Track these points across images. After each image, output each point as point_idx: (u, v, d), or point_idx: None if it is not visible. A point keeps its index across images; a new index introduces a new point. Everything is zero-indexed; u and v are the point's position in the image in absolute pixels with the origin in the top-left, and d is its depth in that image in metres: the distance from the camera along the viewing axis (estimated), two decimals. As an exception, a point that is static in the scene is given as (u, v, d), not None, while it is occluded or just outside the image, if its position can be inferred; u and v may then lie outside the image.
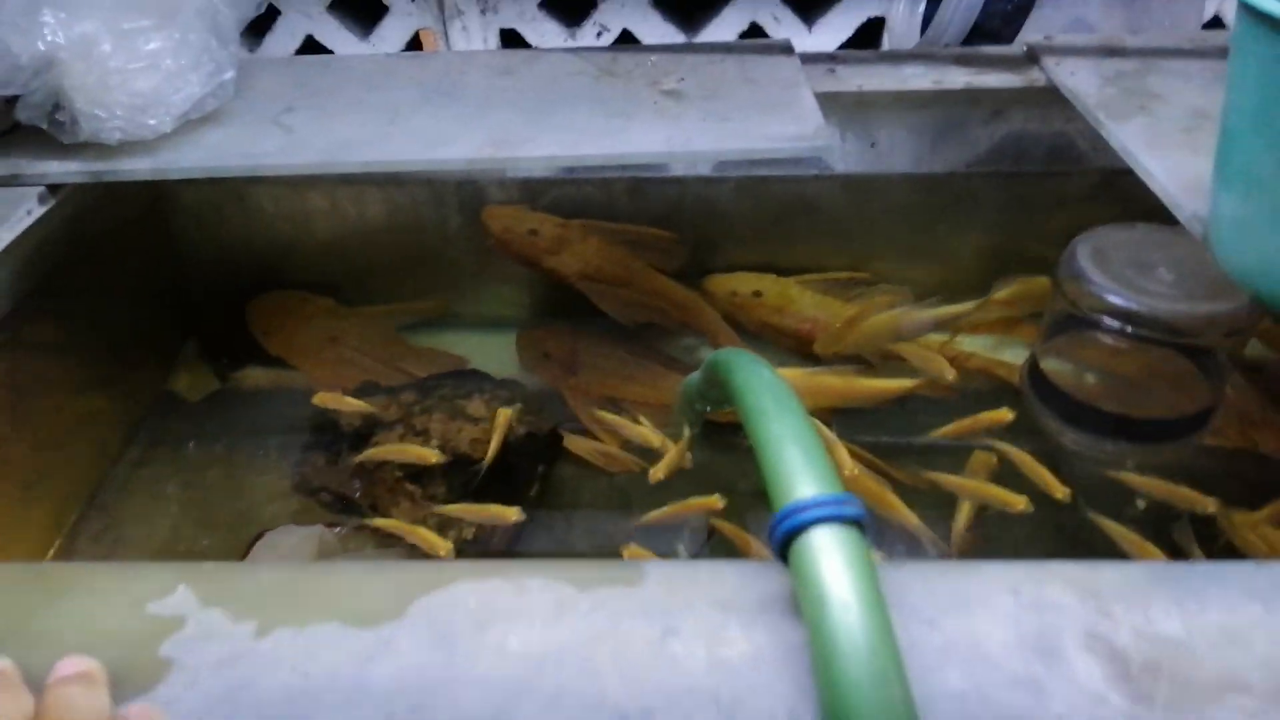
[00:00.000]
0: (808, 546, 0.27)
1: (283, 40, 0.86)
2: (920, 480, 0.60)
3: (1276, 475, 0.59)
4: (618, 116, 0.58)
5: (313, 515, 0.64)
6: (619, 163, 0.55)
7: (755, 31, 0.83)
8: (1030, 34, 0.68)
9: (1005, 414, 0.61)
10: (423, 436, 0.65)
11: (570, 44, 0.84)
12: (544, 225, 0.73)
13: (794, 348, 0.73)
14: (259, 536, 0.62)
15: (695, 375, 0.54)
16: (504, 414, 0.65)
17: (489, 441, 0.64)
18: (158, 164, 0.56)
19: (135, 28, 0.53)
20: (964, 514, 0.57)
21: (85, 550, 0.63)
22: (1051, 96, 0.63)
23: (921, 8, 0.74)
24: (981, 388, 0.69)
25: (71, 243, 0.64)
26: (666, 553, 0.60)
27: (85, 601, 0.31)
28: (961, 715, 0.27)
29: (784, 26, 0.83)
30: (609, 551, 0.60)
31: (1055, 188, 0.72)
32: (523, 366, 0.74)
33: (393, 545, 0.60)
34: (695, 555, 0.60)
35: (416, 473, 0.63)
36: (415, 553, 0.59)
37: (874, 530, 0.29)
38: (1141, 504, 0.59)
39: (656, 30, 0.83)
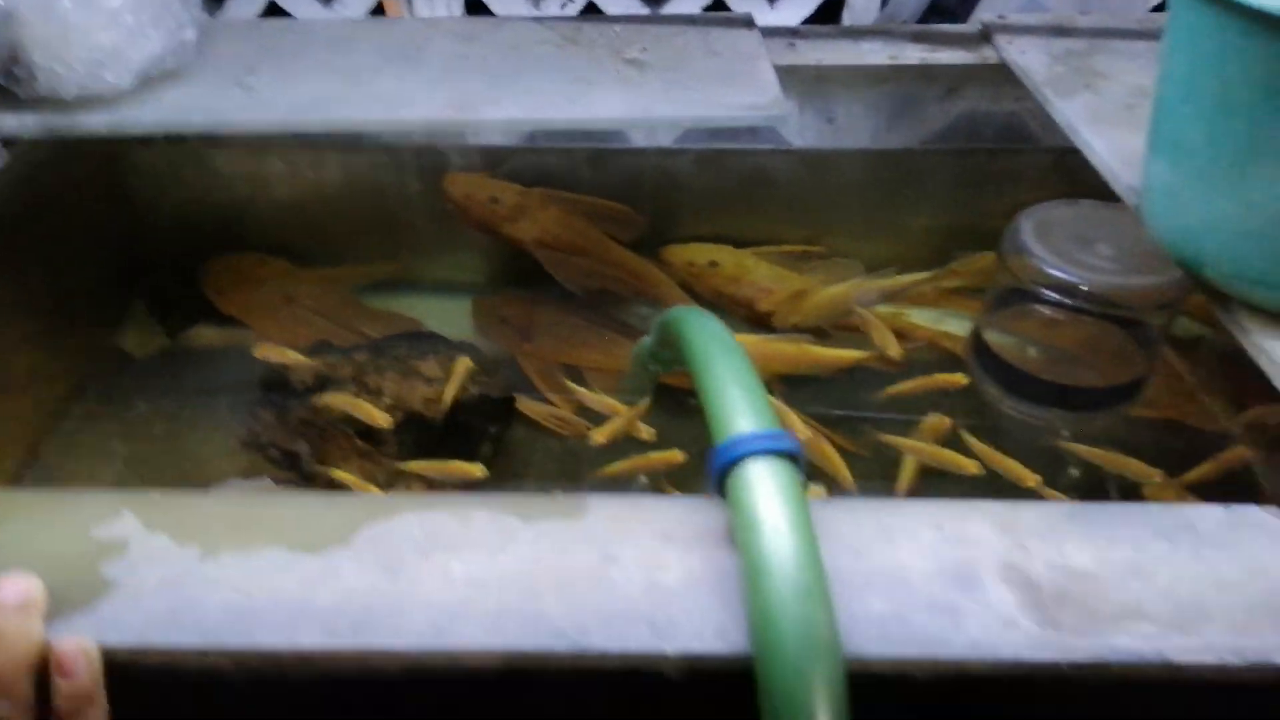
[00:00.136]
0: (743, 476, 0.29)
1: (245, 4, 0.86)
2: (867, 445, 0.61)
3: (1203, 447, 0.62)
4: (580, 83, 0.59)
5: (261, 472, 0.64)
6: (581, 128, 0.56)
7: (719, 5, 0.84)
8: (985, 13, 0.70)
9: (959, 378, 0.62)
10: (375, 395, 0.65)
11: (534, 13, 0.85)
12: (505, 193, 0.73)
13: (748, 317, 0.74)
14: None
15: (647, 339, 0.55)
16: (463, 362, 0.65)
17: (440, 402, 0.64)
18: (116, 120, 0.55)
19: (95, -21, 0.53)
20: (906, 474, 0.58)
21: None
22: (1003, 75, 0.65)
23: (881, -14, 0.75)
24: (928, 358, 0.71)
25: (24, 197, 0.63)
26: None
27: (27, 526, 0.32)
28: (882, 636, 0.28)
29: (747, 1, 0.84)
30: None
31: (1006, 165, 0.74)
32: (478, 331, 0.74)
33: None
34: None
35: (367, 430, 0.63)
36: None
37: (807, 465, 0.30)
38: (1075, 473, 0.61)
39: (620, 2, 0.84)
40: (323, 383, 0.66)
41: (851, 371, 0.68)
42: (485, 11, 0.84)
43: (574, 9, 0.84)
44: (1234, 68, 0.34)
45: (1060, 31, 0.66)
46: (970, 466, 0.57)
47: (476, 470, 0.59)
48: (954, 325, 0.73)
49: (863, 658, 0.27)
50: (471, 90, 0.57)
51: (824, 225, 0.78)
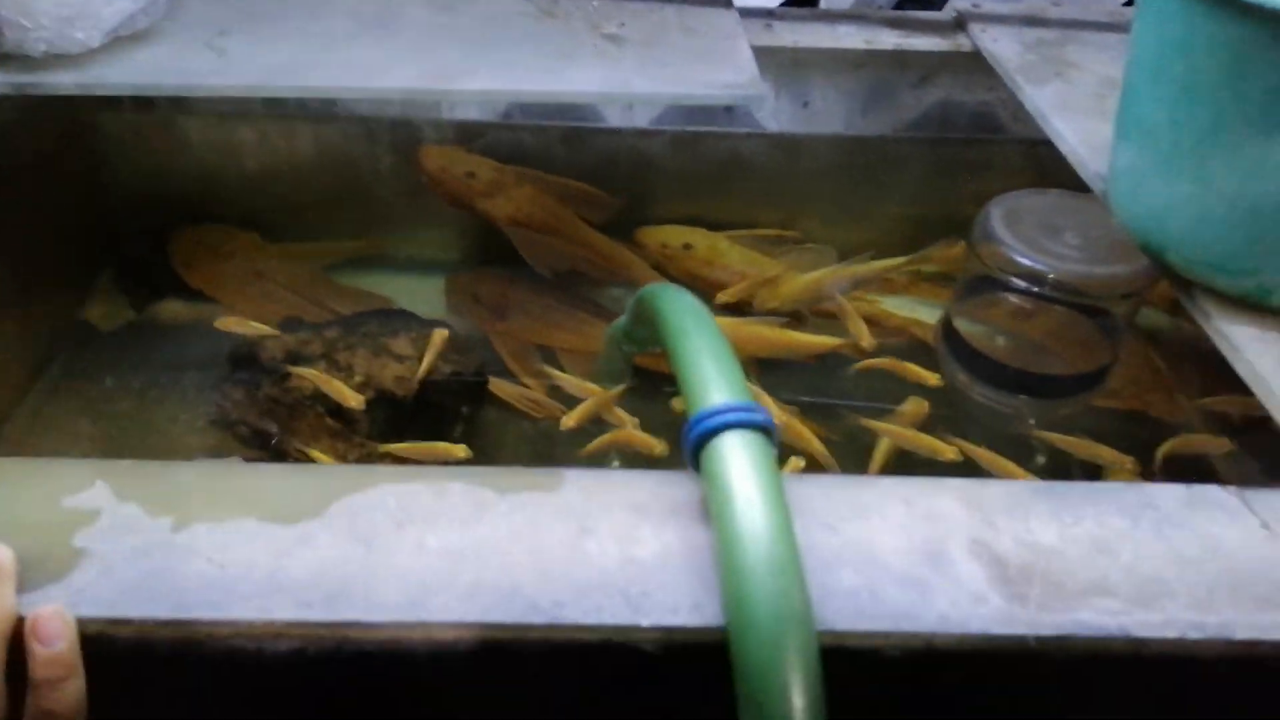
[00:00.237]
0: (718, 449, 0.29)
1: (214, -32, 0.84)
2: (839, 430, 0.62)
3: (1165, 436, 0.63)
4: (557, 57, 0.58)
5: (229, 449, 0.63)
6: (557, 100, 0.56)
7: (696, -13, 0.84)
8: (959, 1, 0.70)
9: (932, 377, 0.63)
10: (345, 372, 0.65)
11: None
12: (481, 168, 0.73)
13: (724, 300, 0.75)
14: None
15: (622, 319, 0.55)
16: (440, 334, 0.65)
17: (413, 379, 0.64)
18: (84, 79, 0.54)
19: (62, -65, 0.52)
20: (879, 457, 0.59)
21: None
22: (976, 64, 0.66)
23: (858, -28, 0.75)
24: (900, 345, 0.71)
25: (-16, 161, 0.62)
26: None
27: (-3, 494, 0.31)
28: (853, 609, 0.28)
29: (724, -16, 0.84)
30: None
31: (977, 154, 0.74)
32: (451, 310, 0.74)
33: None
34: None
35: (338, 408, 0.63)
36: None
37: (779, 438, 0.31)
38: (1041, 460, 0.62)
39: (598, -20, 0.84)
40: (292, 360, 0.66)
41: (824, 358, 0.69)
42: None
43: (551, -15, 0.84)
44: (1199, 52, 0.35)
45: (1033, 21, 0.66)
46: (948, 452, 0.58)
47: (460, 451, 0.59)
48: (925, 313, 0.73)
49: (835, 631, 0.28)
50: (448, 60, 0.56)
51: (798, 210, 0.78)
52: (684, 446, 0.30)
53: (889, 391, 0.65)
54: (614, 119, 0.74)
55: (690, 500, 0.31)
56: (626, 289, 0.77)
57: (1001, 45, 0.62)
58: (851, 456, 0.61)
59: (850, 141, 0.75)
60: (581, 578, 0.29)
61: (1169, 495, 0.33)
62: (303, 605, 0.28)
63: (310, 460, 0.60)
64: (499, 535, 0.30)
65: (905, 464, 0.60)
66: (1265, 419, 0.38)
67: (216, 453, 0.63)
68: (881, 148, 0.75)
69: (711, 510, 0.28)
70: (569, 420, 0.62)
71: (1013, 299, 0.61)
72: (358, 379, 0.64)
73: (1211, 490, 0.34)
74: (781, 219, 0.79)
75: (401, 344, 0.67)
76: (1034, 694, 0.30)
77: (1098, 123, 0.52)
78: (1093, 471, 0.60)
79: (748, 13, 0.69)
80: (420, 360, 0.65)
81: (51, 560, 0.29)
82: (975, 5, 0.69)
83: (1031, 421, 0.63)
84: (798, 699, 0.25)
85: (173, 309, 0.74)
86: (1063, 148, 0.51)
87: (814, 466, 0.59)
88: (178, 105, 0.74)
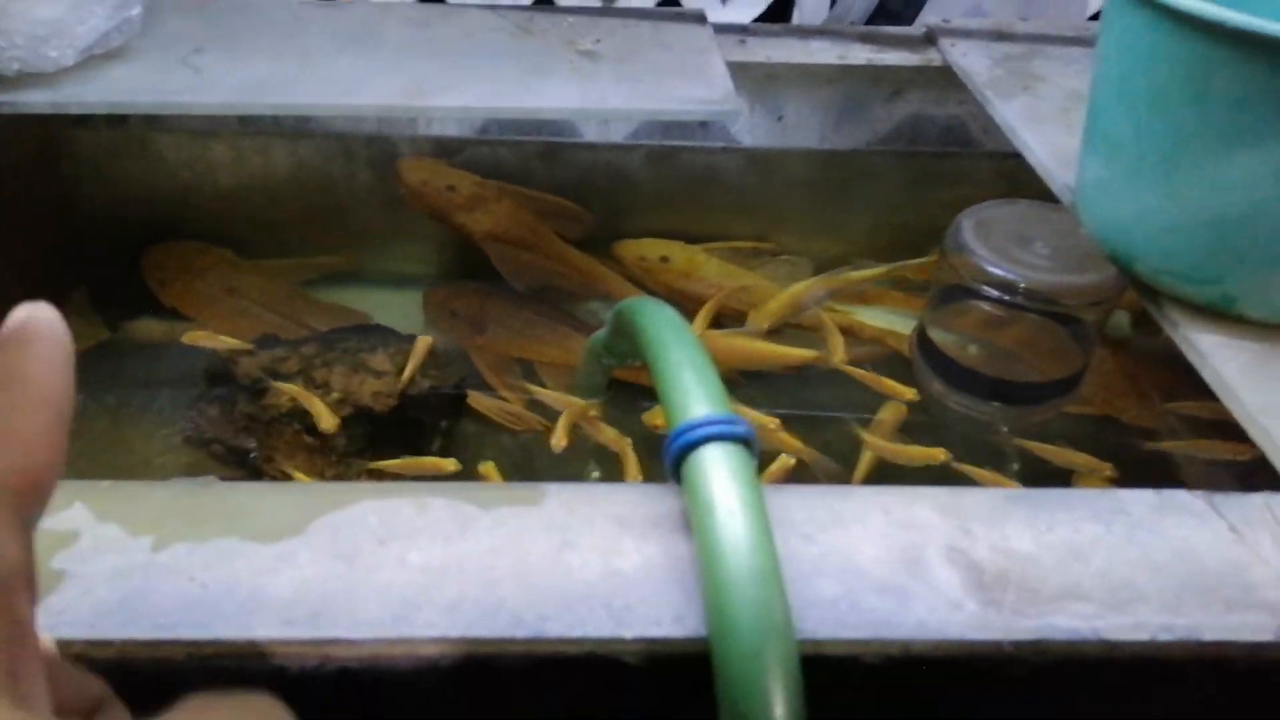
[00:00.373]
0: (699, 461, 0.29)
1: (188, -16, 0.84)
2: (819, 443, 0.62)
3: (1136, 441, 0.64)
4: (534, 73, 0.59)
5: (205, 468, 0.63)
6: (534, 116, 0.56)
7: (671, 2, 0.85)
8: (929, 16, 0.71)
9: (908, 392, 0.64)
10: (323, 389, 0.64)
11: (488, 1, 0.84)
12: (462, 182, 0.73)
13: (695, 313, 0.75)
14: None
15: (601, 332, 0.55)
16: (424, 341, 0.65)
17: (391, 395, 0.64)
18: (58, 98, 0.54)
19: (35, -47, 0.52)
20: (863, 469, 0.60)
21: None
22: (947, 78, 0.67)
23: (830, -13, 0.77)
24: (875, 355, 0.72)
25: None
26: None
27: (-27, 516, 0.31)
28: (834, 618, 0.29)
29: None
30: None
31: (949, 167, 0.75)
32: (429, 325, 0.74)
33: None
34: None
35: (314, 425, 0.63)
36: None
37: (760, 450, 0.31)
38: (1015, 466, 0.63)
39: (574, -6, 0.84)
40: (269, 376, 0.66)
41: (801, 369, 0.70)
42: (438, -1, 0.84)
43: None
44: (1162, 67, 0.36)
45: (1000, 36, 0.68)
46: (938, 455, 0.59)
47: (449, 464, 0.59)
48: (899, 323, 0.74)
49: (815, 639, 0.28)
50: (425, 76, 0.57)
51: (773, 223, 0.79)
52: (665, 459, 0.31)
53: (866, 403, 0.65)
54: (591, 134, 0.75)
55: (672, 513, 0.32)
56: (605, 303, 0.77)
57: (971, 60, 0.64)
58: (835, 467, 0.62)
59: (824, 155, 0.76)
60: (564, 591, 0.29)
61: (1140, 501, 0.34)
62: (285, 623, 0.28)
63: (288, 478, 0.60)
64: (481, 550, 0.31)
65: (890, 473, 0.61)
66: (1231, 423, 0.39)
67: (192, 471, 0.63)
68: (855, 161, 0.76)
69: (693, 522, 0.29)
70: (558, 441, 0.62)
71: (985, 308, 0.62)
72: (335, 395, 0.64)
73: (1181, 495, 0.34)
74: (757, 232, 0.79)
75: (379, 360, 0.67)
76: (1010, 698, 0.30)
77: (1065, 135, 0.53)
78: (1067, 477, 0.61)
79: (722, 29, 0.70)
80: (398, 375, 0.65)
81: (30, 582, 0.29)
82: (945, 20, 0.70)
83: (1005, 429, 0.64)
84: (779, 707, 0.25)
85: (146, 327, 0.73)
86: (1031, 160, 0.52)
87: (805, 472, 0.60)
88: (152, 123, 0.74)
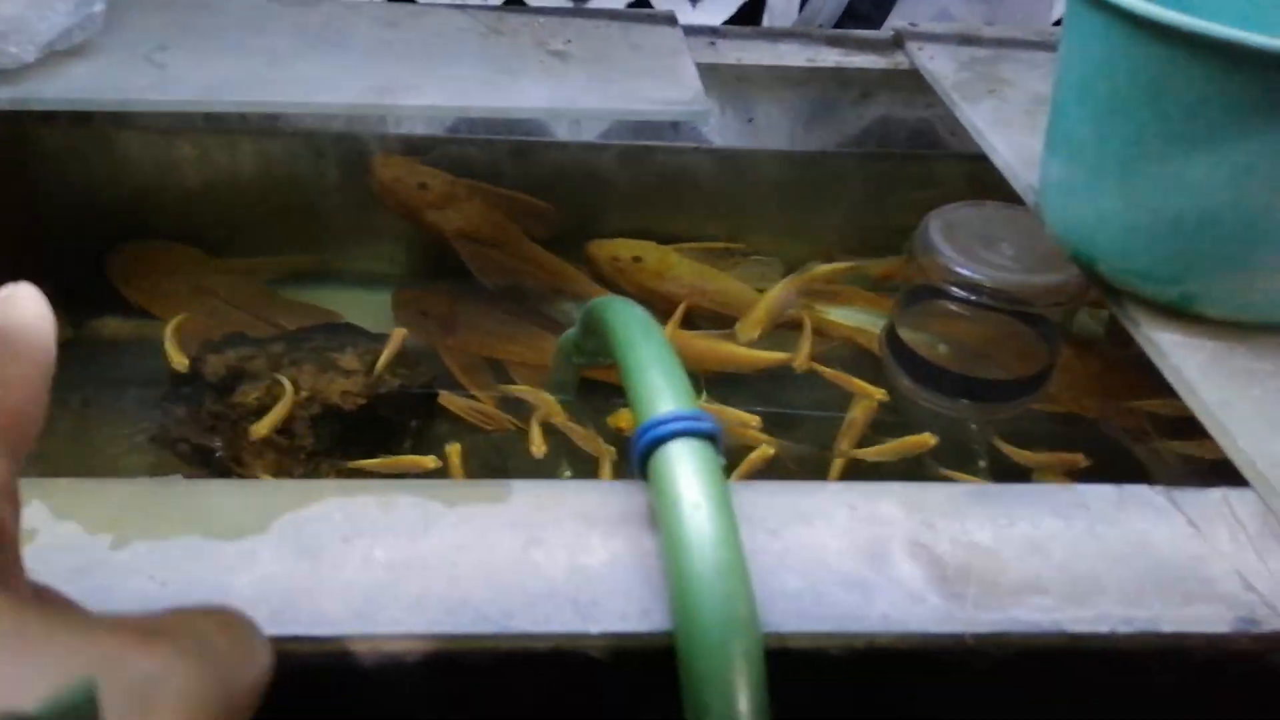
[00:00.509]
0: (665, 457, 0.29)
1: (154, -20, 0.83)
2: (790, 438, 0.63)
3: (1101, 437, 0.65)
4: (503, 73, 0.59)
5: (171, 467, 0.62)
6: (504, 116, 0.56)
7: (641, 2, 0.85)
8: (897, 19, 0.72)
9: (878, 393, 0.64)
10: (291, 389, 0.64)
11: (458, 1, 0.84)
12: (435, 180, 0.73)
13: (671, 312, 0.75)
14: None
15: (571, 331, 0.55)
16: (399, 333, 0.65)
17: (360, 394, 0.64)
18: (19, 94, 0.53)
19: (-6, -54, 0.51)
20: (835, 471, 0.60)
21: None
22: (914, 81, 0.67)
23: (799, -10, 0.77)
24: (845, 354, 0.73)
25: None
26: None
27: (-73, 515, 0.30)
28: (798, 611, 0.29)
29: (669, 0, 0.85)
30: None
31: (917, 169, 0.76)
32: (399, 324, 0.74)
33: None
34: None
35: (283, 424, 0.62)
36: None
37: (725, 445, 0.31)
38: (983, 464, 0.64)
39: (544, -6, 0.84)
40: (236, 375, 0.65)
41: (770, 370, 0.70)
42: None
43: None
44: (1121, 71, 0.37)
45: (967, 40, 0.68)
46: (928, 440, 0.59)
47: (429, 462, 0.59)
48: (869, 323, 0.75)
49: (780, 633, 0.28)
50: (394, 76, 0.56)
51: (744, 223, 0.80)
52: (631, 455, 0.31)
53: (835, 401, 0.66)
54: (561, 133, 0.75)
55: (639, 508, 0.32)
56: (576, 302, 0.77)
57: (938, 63, 0.64)
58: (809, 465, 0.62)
59: (794, 156, 0.76)
60: (530, 587, 0.29)
61: (1100, 495, 0.35)
62: (247, 621, 0.28)
63: (254, 477, 0.60)
64: (447, 547, 0.31)
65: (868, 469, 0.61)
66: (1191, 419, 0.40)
67: (158, 470, 0.62)
68: (825, 162, 0.77)
69: (659, 517, 0.29)
70: (538, 449, 0.62)
71: (952, 307, 0.63)
72: (303, 394, 0.63)
73: (1141, 490, 0.35)
74: (728, 232, 0.80)
75: (348, 359, 0.66)
76: (973, 690, 0.31)
77: (1029, 138, 0.54)
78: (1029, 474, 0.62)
79: (692, 30, 0.70)
80: (367, 374, 0.65)
81: (-14, 581, 0.28)
82: (912, 24, 0.71)
83: (975, 427, 0.65)
84: (743, 701, 0.26)
85: (112, 326, 0.73)
86: (997, 162, 0.52)
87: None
88: (116, 120, 0.73)
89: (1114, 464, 0.62)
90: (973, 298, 0.61)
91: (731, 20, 0.85)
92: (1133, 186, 0.39)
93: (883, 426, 0.64)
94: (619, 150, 0.75)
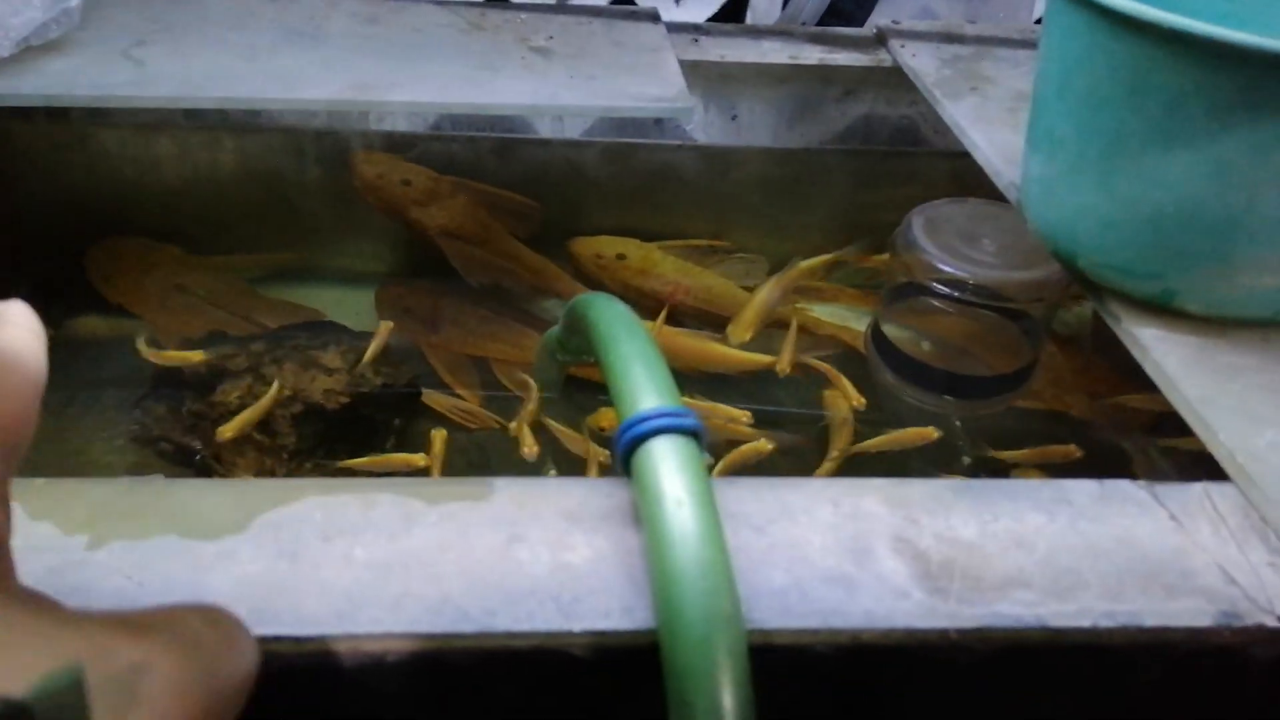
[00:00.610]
0: (648, 454, 0.29)
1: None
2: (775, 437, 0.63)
3: (1085, 435, 0.66)
4: (485, 69, 0.58)
5: (152, 467, 0.62)
6: (486, 112, 0.56)
7: (624, 0, 0.85)
8: (880, 17, 0.72)
9: (858, 399, 0.65)
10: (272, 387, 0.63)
11: (439, -1, 0.84)
12: (418, 177, 0.73)
13: (656, 310, 0.75)
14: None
15: (555, 329, 0.55)
16: (386, 325, 0.65)
17: (342, 393, 0.63)
18: (-7, 89, 0.52)
19: (-34, -61, 0.50)
20: (829, 467, 0.60)
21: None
22: (897, 79, 0.68)
23: (783, -13, 0.77)
24: (831, 351, 0.73)
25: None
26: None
27: (-102, 516, 0.30)
28: (783, 607, 0.29)
29: (653, -2, 0.85)
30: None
31: (901, 166, 0.76)
32: (382, 322, 0.73)
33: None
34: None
35: (265, 422, 0.62)
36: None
37: (709, 441, 0.31)
38: (966, 460, 0.64)
39: (527, -9, 0.84)
40: (217, 375, 0.64)
41: (754, 373, 0.70)
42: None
43: (479, -4, 0.84)
44: (1101, 67, 0.37)
45: (949, 38, 0.69)
46: (930, 433, 0.60)
47: (419, 459, 0.59)
48: (854, 321, 0.75)
49: (764, 629, 0.28)
50: (374, 72, 0.56)
51: (729, 221, 0.79)
52: (614, 452, 0.31)
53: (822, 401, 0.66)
54: (545, 131, 0.75)
55: (622, 506, 0.32)
56: (560, 300, 0.77)
57: (920, 61, 0.64)
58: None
59: (778, 153, 0.76)
60: (512, 586, 0.29)
61: (1083, 490, 0.35)
62: (226, 621, 0.27)
63: (236, 477, 0.59)
64: (429, 546, 0.30)
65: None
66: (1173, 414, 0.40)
67: (138, 470, 0.61)
68: (808, 159, 0.77)
69: (642, 514, 0.29)
70: (530, 450, 0.61)
71: (936, 304, 0.63)
72: (286, 393, 0.63)
73: (1123, 485, 0.35)
74: (713, 229, 0.80)
75: (331, 357, 0.66)
76: (957, 684, 0.31)
77: (1011, 134, 0.54)
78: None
79: (675, 27, 0.70)
80: (350, 373, 0.64)
81: (-42, 583, 0.28)
82: (895, 22, 0.71)
83: (958, 422, 0.65)
84: (727, 698, 0.25)
85: (91, 324, 0.72)
86: (979, 158, 0.53)
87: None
88: (94, 116, 0.72)
89: (1097, 459, 0.63)
90: (955, 294, 0.61)
91: (714, 18, 0.85)
92: (1113, 182, 0.39)
93: (868, 423, 0.64)
94: (602, 147, 0.75)
